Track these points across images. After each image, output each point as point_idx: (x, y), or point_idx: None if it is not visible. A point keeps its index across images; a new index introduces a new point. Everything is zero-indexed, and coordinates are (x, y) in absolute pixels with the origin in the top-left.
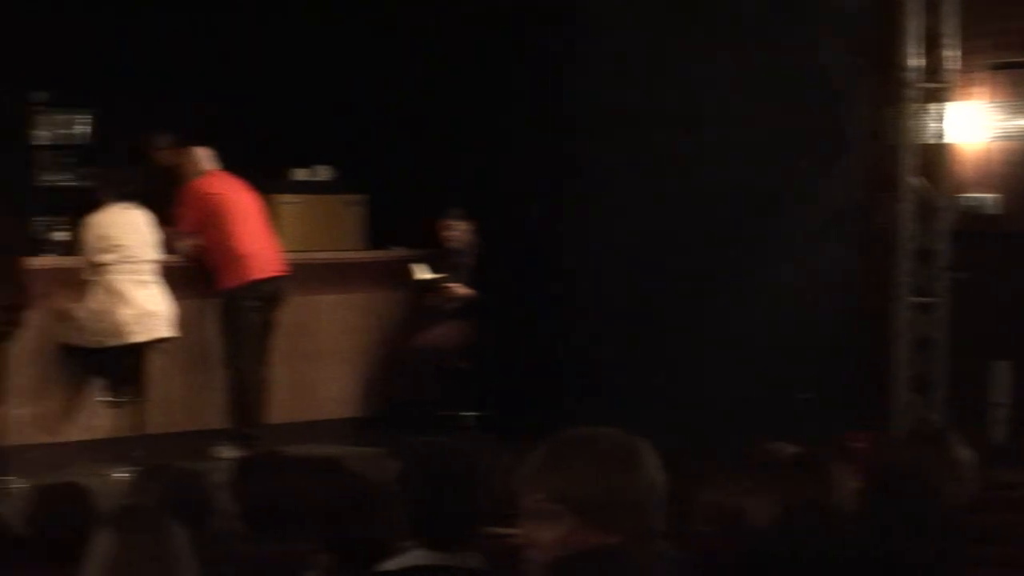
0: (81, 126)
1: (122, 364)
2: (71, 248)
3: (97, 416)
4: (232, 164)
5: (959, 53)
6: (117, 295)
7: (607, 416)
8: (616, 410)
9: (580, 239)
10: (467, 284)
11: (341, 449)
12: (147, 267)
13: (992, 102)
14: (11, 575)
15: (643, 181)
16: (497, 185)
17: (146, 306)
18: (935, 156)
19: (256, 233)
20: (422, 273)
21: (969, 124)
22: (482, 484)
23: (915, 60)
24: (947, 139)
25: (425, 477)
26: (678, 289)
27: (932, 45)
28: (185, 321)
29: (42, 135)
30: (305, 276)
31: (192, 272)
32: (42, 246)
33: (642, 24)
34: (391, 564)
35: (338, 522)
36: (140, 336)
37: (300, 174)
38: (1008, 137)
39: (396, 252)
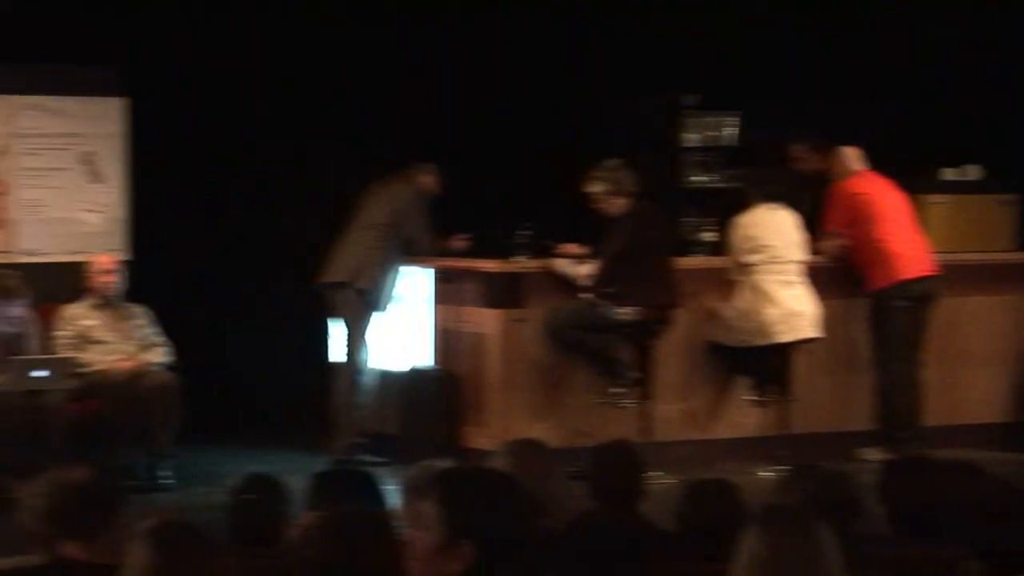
0: (729, 128)
1: (767, 364)
2: (718, 248)
3: (743, 414)
4: (880, 164)
5: None
6: (763, 295)
7: None
8: None
9: None
10: None
11: (991, 454)
12: (793, 267)
13: None
14: (660, 569)
15: None
16: None
17: (792, 306)
18: None
19: (905, 233)
20: None
21: None
22: None
23: None
24: None
25: None
26: None
27: None
28: (830, 321)
29: (691, 137)
30: (953, 277)
31: (837, 272)
32: (690, 246)
33: None
34: None
35: (989, 529)
36: (786, 336)
37: (949, 173)
38: None
39: None
